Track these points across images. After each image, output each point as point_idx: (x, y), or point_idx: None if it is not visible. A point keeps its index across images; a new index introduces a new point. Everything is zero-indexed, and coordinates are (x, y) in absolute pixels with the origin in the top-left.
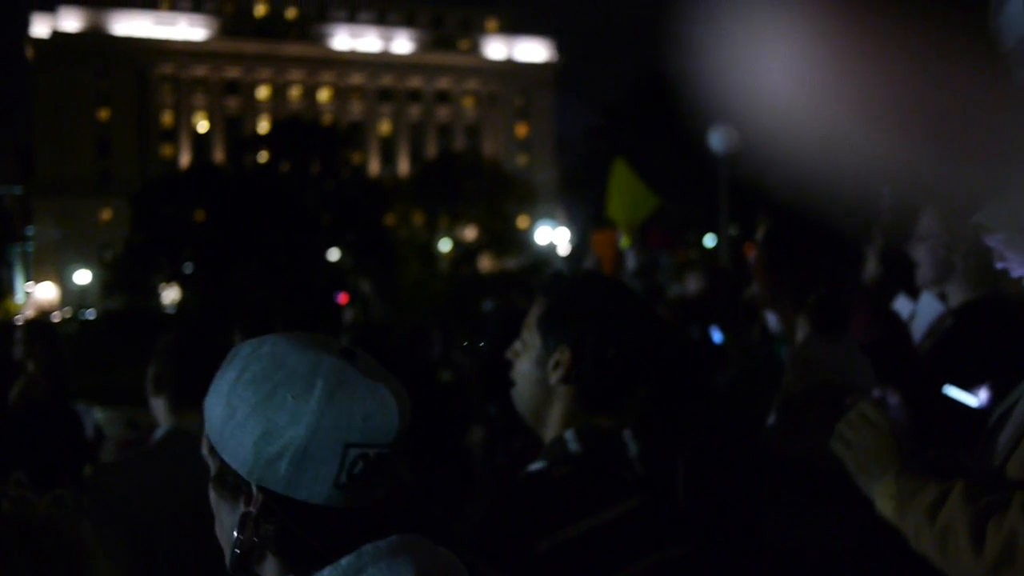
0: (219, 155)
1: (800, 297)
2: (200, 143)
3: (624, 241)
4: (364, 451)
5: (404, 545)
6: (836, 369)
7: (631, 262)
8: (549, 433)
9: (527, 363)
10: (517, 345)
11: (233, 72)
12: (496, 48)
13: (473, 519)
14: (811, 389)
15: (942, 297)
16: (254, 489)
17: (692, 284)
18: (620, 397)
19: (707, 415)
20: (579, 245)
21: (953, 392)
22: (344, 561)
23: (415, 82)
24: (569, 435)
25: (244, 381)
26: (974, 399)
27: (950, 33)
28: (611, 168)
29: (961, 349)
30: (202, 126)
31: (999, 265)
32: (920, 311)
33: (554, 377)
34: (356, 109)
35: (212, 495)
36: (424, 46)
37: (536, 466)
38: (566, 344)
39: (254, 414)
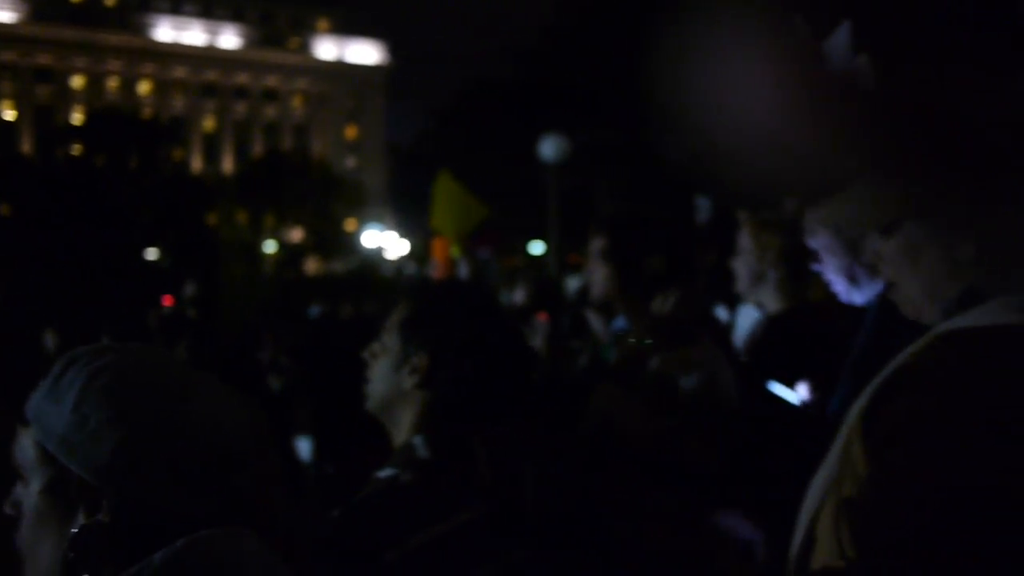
0: (27, 146)
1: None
2: (6, 132)
3: (454, 250)
4: (210, 456)
5: (208, 537)
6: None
7: (463, 270)
8: (400, 437)
9: (384, 365)
10: (376, 346)
11: (45, 59)
12: (327, 48)
13: (322, 527)
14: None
15: (760, 306)
16: (104, 497)
17: (519, 294)
18: (473, 405)
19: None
20: (420, 249)
21: (777, 388)
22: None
23: (242, 79)
24: (418, 441)
25: (95, 390)
26: (795, 395)
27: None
28: (435, 180)
29: (772, 355)
30: (9, 114)
31: (815, 267)
32: (739, 320)
33: (409, 382)
34: (178, 104)
35: (32, 506)
36: (252, 42)
37: (385, 472)
38: (425, 351)
39: (111, 423)
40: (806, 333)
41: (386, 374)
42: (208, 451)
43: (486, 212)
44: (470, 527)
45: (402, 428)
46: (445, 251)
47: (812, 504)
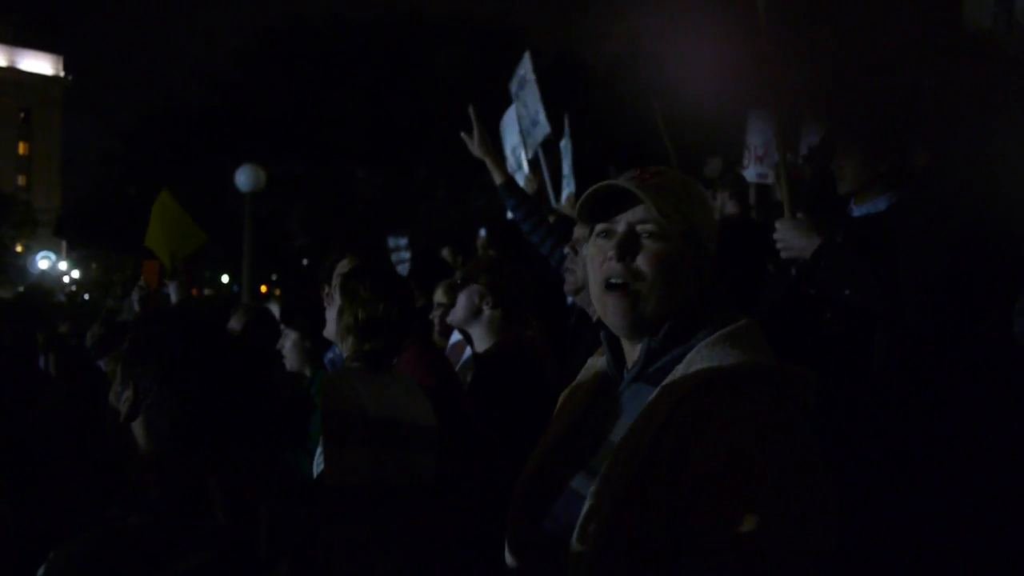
0: None
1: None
2: None
3: (167, 275)
4: None
5: None
6: (362, 398)
7: (173, 295)
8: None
9: (113, 397)
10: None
11: None
12: None
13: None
14: (332, 414)
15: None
16: None
17: (235, 322)
18: (198, 443)
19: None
20: (99, 275)
21: None
22: None
23: None
24: (148, 481)
25: None
26: None
27: None
28: (157, 198)
29: (483, 391)
30: None
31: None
32: (450, 353)
33: (123, 415)
34: None
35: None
36: None
37: (112, 514)
38: (132, 382)
39: None
40: (510, 370)
41: (118, 406)
42: None
43: (205, 238)
44: (199, 573)
45: (137, 465)
46: (157, 275)
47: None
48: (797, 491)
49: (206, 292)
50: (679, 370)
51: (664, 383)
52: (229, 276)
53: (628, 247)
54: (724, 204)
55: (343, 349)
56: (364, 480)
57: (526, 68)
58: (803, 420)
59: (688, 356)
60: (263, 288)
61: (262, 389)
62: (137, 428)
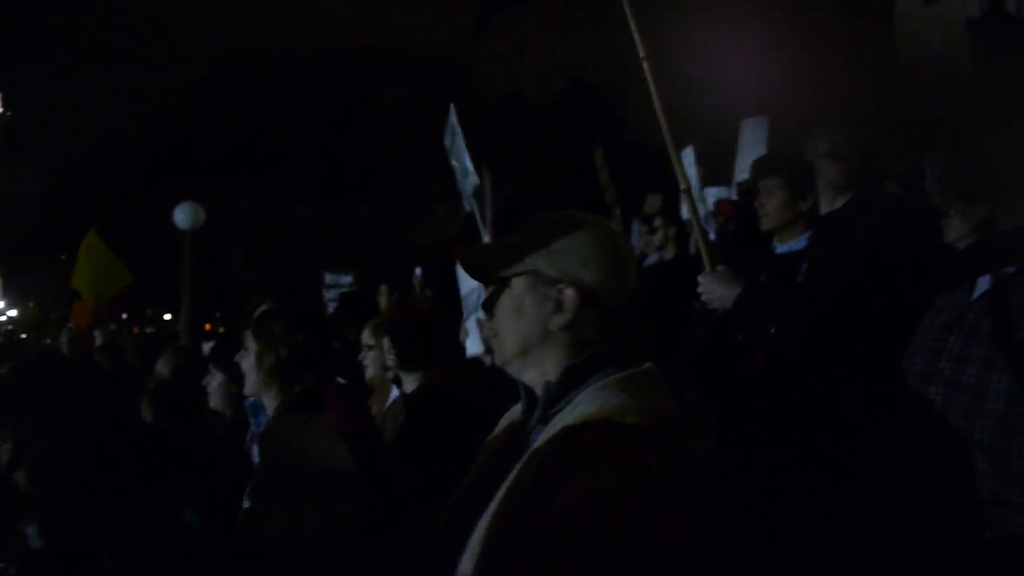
0: None
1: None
2: None
3: (91, 315)
4: None
5: None
6: (303, 449)
7: (98, 338)
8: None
9: None
10: None
11: None
12: None
13: None
14: (278, 468)
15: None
16: None
17: (162, 366)
18: (83, 488)
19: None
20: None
21: None
22: None
23: None
24: (31, 530)
25: None
26: None
27: None
28: (84, 238)
29: (409, 436)
30: None
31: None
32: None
33: (3, 467)
34: None
35: None
36: None
37: None
38: (9, 434)
39: None
40: (436, 412)
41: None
42: None
43: (130, 278)
44: None
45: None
46: (86, 316)
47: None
48: (652, 538)
49: (148, 330)
50: (566, 412)
51: (550, 424)
52: (172, 314)
53: (488, 306)
54: (665, 243)
55: (270, 398)
56: (307, 534)
57: (453, 119)
58: (684, 466)
59: (577, 398)
60: (207, 326)
61: (145, 431)
62: (20, 478)
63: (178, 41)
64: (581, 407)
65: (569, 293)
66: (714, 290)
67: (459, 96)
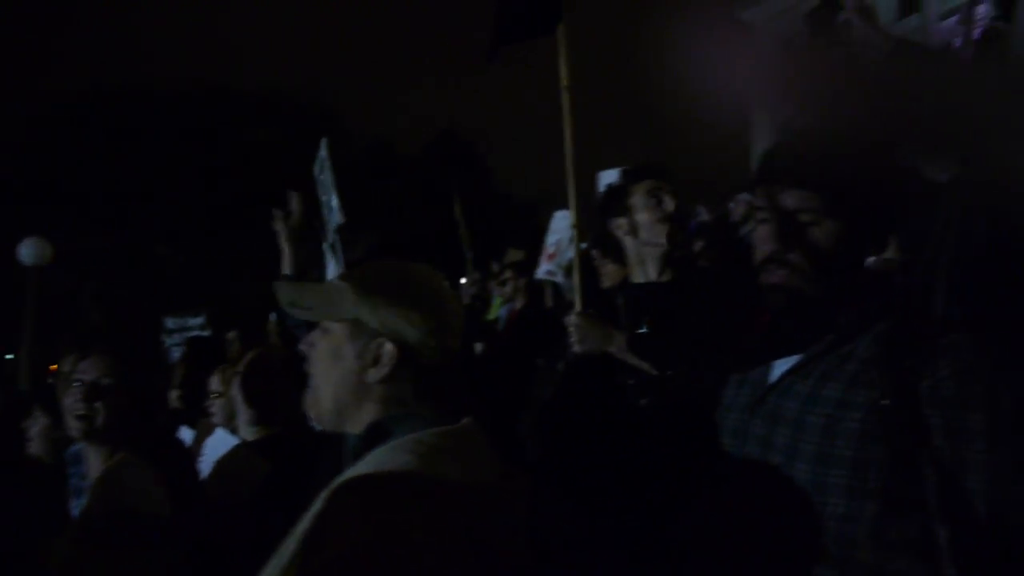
0: None
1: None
2: None
3: None
4: None
5: None
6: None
7: None
8: None
9: None
10: None
11: None
12: None
13: None
14: (110, 513)
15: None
16: None
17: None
18: None
19: None
20: None
21: None
22: None
23: None
24: None
25: None
26: None
27: None
28: None
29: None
30: None
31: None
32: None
33: None
34: None
35: None
36: None
37: None
38: None
39: None
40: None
41: None
42: None
43: None
44: None
45: None
46: None
47: None
48: None
49: None
50: (350, 470)
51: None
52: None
53: (308, 349)
54: (515, 293)
55: (101, 453)
56: None
57: (324, 153)
58: (446, 535)
59: (367, 458)
60: (53, 367)
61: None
62: None
63: (33, 73)
64: (360, 465)
65: (388, 348)
66: (586, 333)
67: (330, 135)
